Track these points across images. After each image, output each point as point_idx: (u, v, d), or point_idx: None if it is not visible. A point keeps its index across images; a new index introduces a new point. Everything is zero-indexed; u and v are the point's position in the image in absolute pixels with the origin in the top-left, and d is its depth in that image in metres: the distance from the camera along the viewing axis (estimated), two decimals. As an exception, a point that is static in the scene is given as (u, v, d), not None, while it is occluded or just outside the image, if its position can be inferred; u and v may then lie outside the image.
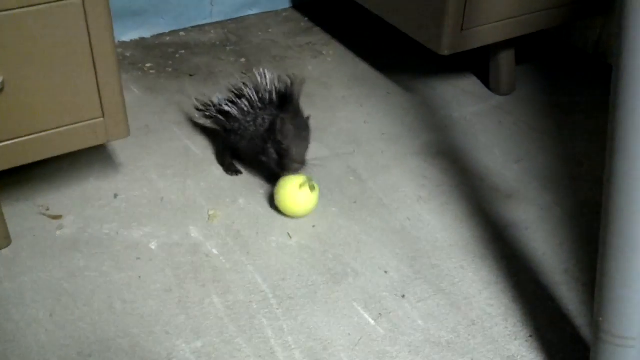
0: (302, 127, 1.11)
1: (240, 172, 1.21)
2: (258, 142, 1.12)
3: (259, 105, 1.13)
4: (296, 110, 1.12)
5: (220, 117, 1.18)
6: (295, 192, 1.08)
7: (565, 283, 1.03)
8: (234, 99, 1.16)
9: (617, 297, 0.76)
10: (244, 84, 1.16)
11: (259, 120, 1.12)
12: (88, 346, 0.89)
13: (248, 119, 1.13)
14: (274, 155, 1.09)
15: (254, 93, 1.13)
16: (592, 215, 1.16)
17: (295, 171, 1.09)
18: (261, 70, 1.14)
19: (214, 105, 1.20)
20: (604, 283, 0.77)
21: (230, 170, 1.21)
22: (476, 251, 1.08)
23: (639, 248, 0.73)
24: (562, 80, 1.55)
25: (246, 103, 1.13)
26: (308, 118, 1.13)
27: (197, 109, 1.24)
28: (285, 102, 1.11)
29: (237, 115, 1.14)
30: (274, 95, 1.12)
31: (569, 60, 1.62)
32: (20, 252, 1.03)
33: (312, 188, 1.09)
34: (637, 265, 0.74)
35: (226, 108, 1.15)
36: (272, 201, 1.14)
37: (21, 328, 0.91)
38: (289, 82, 1.12)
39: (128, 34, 1.62)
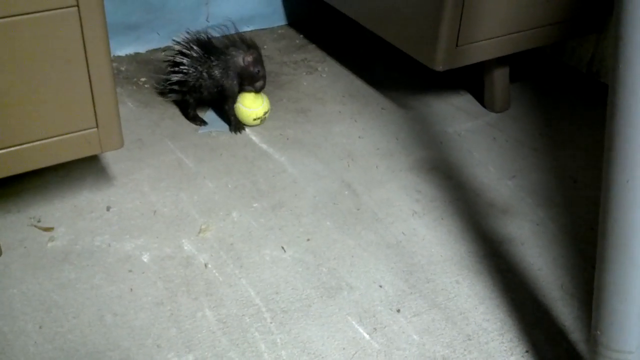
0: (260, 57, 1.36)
1: (206, 123, 1.39)
2: (221, 79, 1.34)
3: (203, 53, 1.33)
4: (250, 45, 1.34)
5: (176, 85, 1.36)
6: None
7: (560, 298, 1.02)
8: (180, 58, 1.34)
9: (615, 311, 0.76)
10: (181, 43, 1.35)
11: (214, 63, 1.33)
12: (77, 359, 0.88)
13: (201, 67, 1.33)
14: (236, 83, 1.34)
15: (195, 46, 1.34)
16: (587, 231, 1.15)
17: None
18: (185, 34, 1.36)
19: (167, 80, 1.39)
20: (602, 297, 0.77)
21: (197, 121, 1.38)
22: (471, 266, 1.07)
23: (636, 262, 0.73)
24: (556, 99, 1.56)
25: (194, 54, 1.33)
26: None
27: (160, 92, 1.45)
28: (238, 42, 1.34)
29: (190, 66, 1.33)
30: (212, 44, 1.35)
31: (563, 78, 1.63)
32: (11, 264, 1.01)
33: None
34: (634, 279, 0.74)
35: (181, 66, 1.34)
36: (265, 214, 1.14)
37: (10, 340, 0.90)
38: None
39: (123, 49, 1.62)
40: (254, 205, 1.17)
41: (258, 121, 1.36)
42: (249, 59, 1.33)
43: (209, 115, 1.41)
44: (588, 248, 1.12)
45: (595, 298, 0.78)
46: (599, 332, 0.77)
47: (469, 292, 1.02)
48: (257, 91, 1.36)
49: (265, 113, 1.36)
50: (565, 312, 1.00)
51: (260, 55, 1.35)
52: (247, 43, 1.35)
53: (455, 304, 1.00)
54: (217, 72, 1.33)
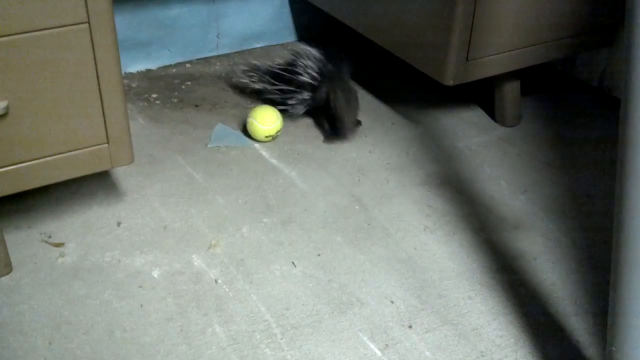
0: (352, 99, 1.38)
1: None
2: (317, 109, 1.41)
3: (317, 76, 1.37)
4: (345, 84, 1.38)
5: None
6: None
7: (575, 314, 1.00)
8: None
9: (630, 326, 0.74)
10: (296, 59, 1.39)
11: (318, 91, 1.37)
12: (87, 376, 0.87)
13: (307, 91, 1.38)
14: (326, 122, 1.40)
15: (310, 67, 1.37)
16: (600, 245, 1.14)
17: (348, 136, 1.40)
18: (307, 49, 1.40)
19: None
20: (617, 312, 0.75)
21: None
22: (484, 281, 1.06)
23: (651, 276, 0.72)
24: (567, 113, 1.55)
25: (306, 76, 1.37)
26: (355, 92, 1.40)
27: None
28: (335, 76, 1.37)
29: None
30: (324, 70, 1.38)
31: (574, 92, 1.63)
32: (21, 280, 1.01)
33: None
34: (649, 293, 0.73)
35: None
36: (276, 229, 1.13)
37: (19, 357, 0.89)
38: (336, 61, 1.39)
39: (134, 66, 1.63)
40: (264, 220, 1.16)
41: (270, 138, 1.36)
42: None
43: (218, 129, 1.41)
44: (602, 262, 1.10)
45: (610, 313, 0.76)
46: (614, 348, 0.76)
47: (482, 308, 1.01)
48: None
49: (278, 132, 1.36)
50: (579, 327, 0.98)
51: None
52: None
53: (468, 320, 0.99)
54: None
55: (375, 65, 1.71)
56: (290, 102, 1.40)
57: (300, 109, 1.42)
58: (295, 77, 1.37)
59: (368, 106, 1.53)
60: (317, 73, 1.37)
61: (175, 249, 1.09)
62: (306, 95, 1.38)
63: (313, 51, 1.39)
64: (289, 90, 1.39)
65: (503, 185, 1.29)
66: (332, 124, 1.38)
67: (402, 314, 0.99)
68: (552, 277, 1.07)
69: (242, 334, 0.94)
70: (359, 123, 1.42)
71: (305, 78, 1.36)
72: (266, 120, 1.35)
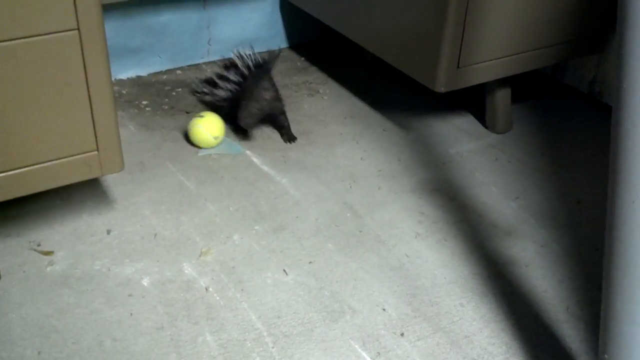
0: (255, 99, 1.34)
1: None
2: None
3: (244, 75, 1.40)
4: (256, 84, 1.35)
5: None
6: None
7: (566, 321, 1.00)
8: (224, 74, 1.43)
9: (623, 333, 0.74)
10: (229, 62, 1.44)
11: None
12: (76, 386, 0.87)
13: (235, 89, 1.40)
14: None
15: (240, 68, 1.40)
16: (591, 252, 1.14)
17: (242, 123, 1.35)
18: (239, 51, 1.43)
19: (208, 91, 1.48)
20: (609, 319, 0.75)
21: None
22: (475, 289, 1.06)
23: (643, 283, 0.72)
24: (558, 119, 1.56)
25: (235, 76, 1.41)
26: (275, 91, 1.39)
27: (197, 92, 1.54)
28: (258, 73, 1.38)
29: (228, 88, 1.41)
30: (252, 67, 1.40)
31: (564, 99, 1.63)
32: (10, 289, 1.00)
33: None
34: (641, 300, 0.73)
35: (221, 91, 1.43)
36: (267, 237, 1.13)
37: (7, 367, 0.88)
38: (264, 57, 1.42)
39: (125, 72, 1.62)
40: (256, 227, 1.16)
41: (219, 139, 1.37)
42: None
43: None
44: (593, 269, 1.10)
45: (602, 320, 0.76)
46: (606, 356, 0.76)
47: (474, 315, 1.01)
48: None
49: (218, 132, 1.37)
50: (571, 334, 0.98)
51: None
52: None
53: (460, 327, 0.98)
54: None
55: (366, 71, 1.71)
56: (216, 92, 1.44)
57: (221, 97, 1.44)
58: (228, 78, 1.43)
59: (359, 113, 1.53)
60: (248, 69, 1.40)
61: (166, 257, 1.08)
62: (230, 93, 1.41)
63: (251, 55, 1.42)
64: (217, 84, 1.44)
65: (494, 192, 1.29)
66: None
67: (394, 321, 0.99)
68: (544, 284, 1.07)
69: (233, 343, 0.94)
70: (269, 115, 1.40)
71: (236, 77, 1.41)
72: (212, 127, 1.36)
